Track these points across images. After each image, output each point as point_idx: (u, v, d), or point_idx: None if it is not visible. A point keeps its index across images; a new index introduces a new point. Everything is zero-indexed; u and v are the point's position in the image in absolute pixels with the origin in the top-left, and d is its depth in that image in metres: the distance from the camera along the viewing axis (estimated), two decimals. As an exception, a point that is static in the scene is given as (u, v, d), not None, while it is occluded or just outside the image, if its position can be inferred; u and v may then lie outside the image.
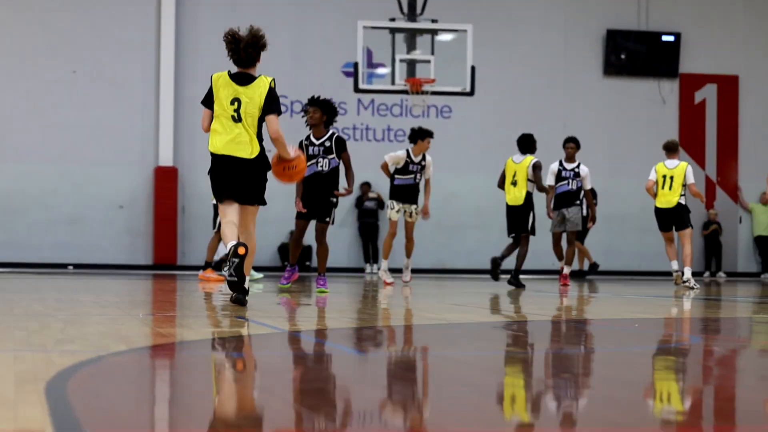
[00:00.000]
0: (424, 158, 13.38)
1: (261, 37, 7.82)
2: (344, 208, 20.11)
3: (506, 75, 21.00)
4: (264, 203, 7.97)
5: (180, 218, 19.92)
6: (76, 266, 19.48)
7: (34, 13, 19.71)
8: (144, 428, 3.28)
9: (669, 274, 16.49)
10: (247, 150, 7.81)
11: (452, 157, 20.55)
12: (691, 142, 21.58)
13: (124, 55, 19.79)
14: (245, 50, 7.80)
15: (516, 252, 13.58)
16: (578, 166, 14.30)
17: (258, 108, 7.83)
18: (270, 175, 8.00)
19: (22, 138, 19.60)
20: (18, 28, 19.61)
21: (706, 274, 21.80)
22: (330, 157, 10.75)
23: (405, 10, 17.18)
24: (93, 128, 19.71)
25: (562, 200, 14.27)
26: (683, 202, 13.95)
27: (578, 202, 14.28)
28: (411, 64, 16.93)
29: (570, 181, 14.27)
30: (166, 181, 19.79)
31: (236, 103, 7.82)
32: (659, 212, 14.06)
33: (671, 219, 13.97)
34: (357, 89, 17.20)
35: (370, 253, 20.56)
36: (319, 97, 10.80)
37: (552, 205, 14.21)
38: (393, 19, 17.02)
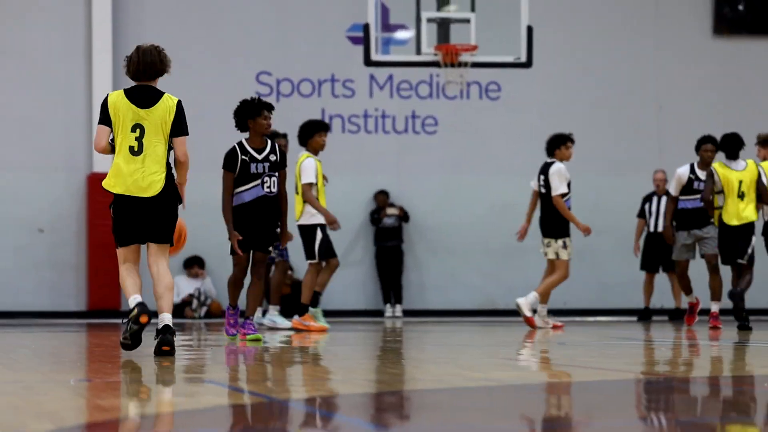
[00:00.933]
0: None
1: (162, 50, 9.28)
2: (354, 228, 19.92)
3: (576, 39, 20.95)
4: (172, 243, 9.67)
5: (124, 246, 19.87)
6: (-21, 315, 19.48)
7: None
8: None
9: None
10: (154, 188, 9.59)
11: (502, 153, 20.47)
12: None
13: (45, 28, 19.77)
14: (145, 57, 9.22)
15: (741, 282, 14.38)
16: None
17: (164, 134, 9.30)
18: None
19: None
20: None
21: None
22: (278, 174, 11.72)
23: (434, -51, 17.20)
24: (0, 122, 19.72)
25: (694, 218, 14.92)
26: None
27: (712, 219, 14.81)
28: (444, 26, 16.92)
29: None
30: (104, 193, 19.64)
31: (138, 130, 9.30)
32: None
33: None
34: (368, 61, 17.20)
35: (392, 290, 20.32)
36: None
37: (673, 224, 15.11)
38: (417, -37, 17.05)
